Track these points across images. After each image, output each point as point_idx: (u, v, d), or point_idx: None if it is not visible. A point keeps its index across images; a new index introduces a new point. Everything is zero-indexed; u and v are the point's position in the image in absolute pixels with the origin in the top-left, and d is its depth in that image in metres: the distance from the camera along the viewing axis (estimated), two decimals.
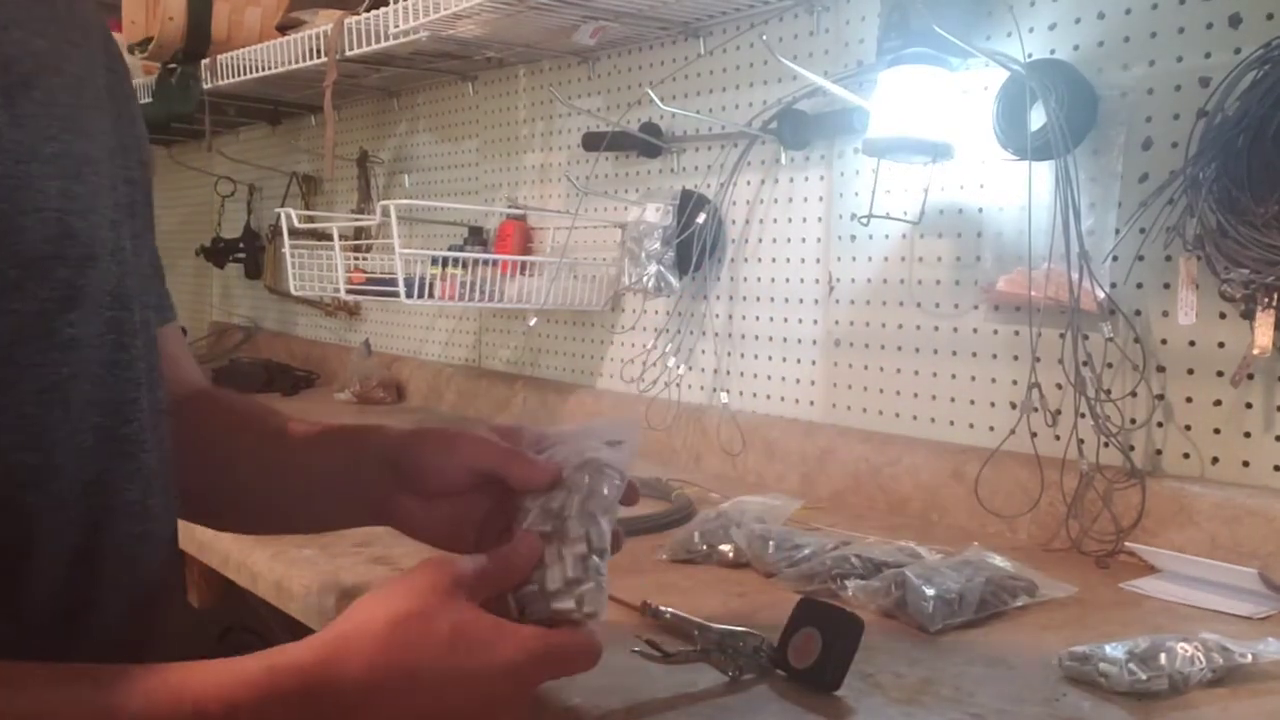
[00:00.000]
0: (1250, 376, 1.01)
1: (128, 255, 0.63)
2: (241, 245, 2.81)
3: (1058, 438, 1.17)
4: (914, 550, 1.02)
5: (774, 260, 1.50)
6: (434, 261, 1.63)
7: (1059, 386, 1.17)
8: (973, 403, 1.27)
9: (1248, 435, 1.05)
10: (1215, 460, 1.07)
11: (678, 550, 1.09)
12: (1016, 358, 1.22)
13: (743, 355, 1.55)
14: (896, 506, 1.29)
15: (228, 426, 0.81)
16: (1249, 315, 0.97)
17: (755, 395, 1.53)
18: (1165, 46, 1.09)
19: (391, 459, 0.74)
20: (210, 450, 0.78)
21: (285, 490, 0.79)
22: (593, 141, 1.72)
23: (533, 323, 1.86)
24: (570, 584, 0.65)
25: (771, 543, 1.04)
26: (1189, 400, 1.09)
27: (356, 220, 2.20)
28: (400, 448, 0.74)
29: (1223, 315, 1.04)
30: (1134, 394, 1.11)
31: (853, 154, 1.39)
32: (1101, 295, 1.11)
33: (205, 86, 2.13)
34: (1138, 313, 1.12)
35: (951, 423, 1.29)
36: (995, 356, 1.25)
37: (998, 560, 0.97)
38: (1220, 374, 1.05)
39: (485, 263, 1.66)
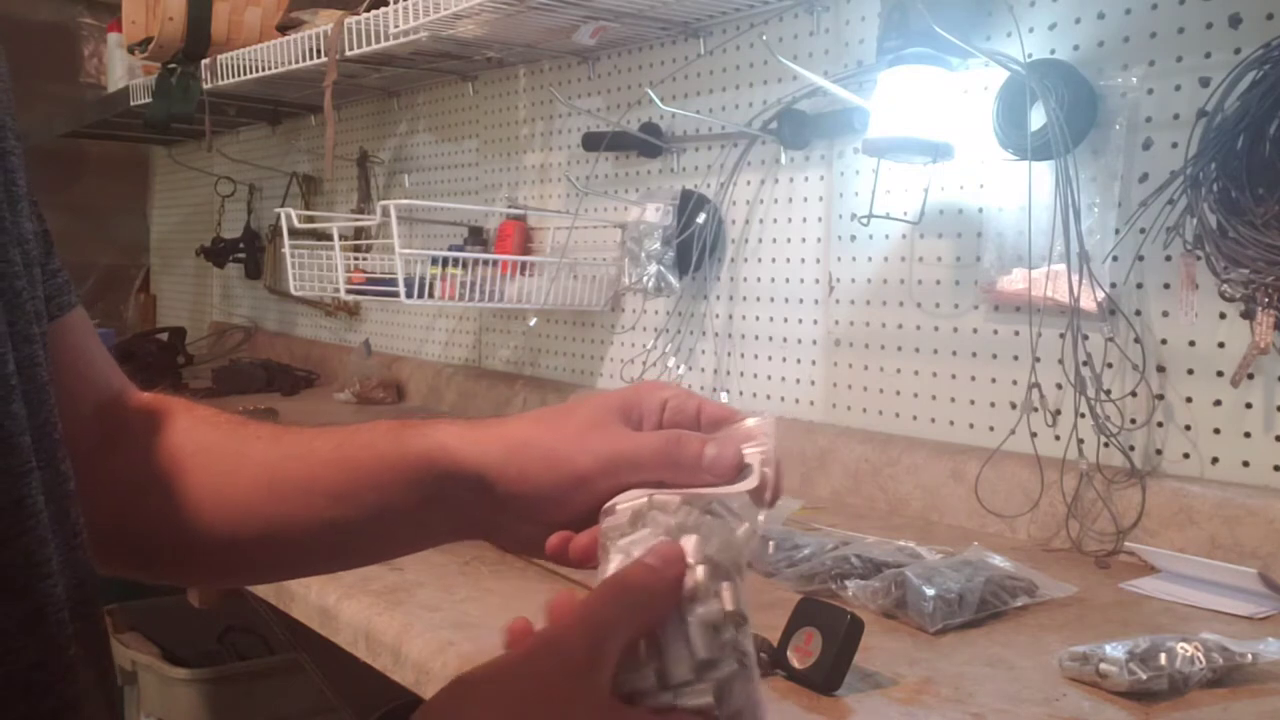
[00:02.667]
0: (1250, 376, 1.01)
1: None
2: (241, 245, 2.81)
3: (1058, 438, 1.17)
4: (914, 550, 1.02)
5: (774, 260, 1.50)
6: (434, 261, 1.62)
7: (1059, 386, 1.17)
8: (973, 403, 1.27)
9: (1248, 435, 1.04)
10: (1215, 460, 1.07)
11: None
12: (1016, 358, 1.22)
13: (743, 355, 1.55)
14: (896, 506, 1.29)
15: (214, 442, 0.60)
16: (1249, 315, 0.97)
17: (755, 395, 1.53)
18: (1165, 46, 1.09)
19: (483, 484, 0.55)
20: (185, 477, 0.58)
21: (321, 522, 0.58)
22: (593, 141, 1.72)
23: (533, 323, 1.86)
24: (702, 668, 0.45)
25: (771, 543, 1.04)
26: (1189, 400, 1.08)
27: (356, 220, 2.20)
28: (494, 471, 0.54)
29: (1223, 315, 1.04)
30: (1134, 394, 1.11)
31: (853, 154, 1.39)
32: (1101, 295, 1.11)
33: (205, 86, 2.13)
34: (1138, 313, 1.12)
35: (951, 423, 1.29)
36: (995, 356, 1.25)
37: (998, 560, 0.97)
38: (1220, 374, 1.05)
39: (485, 263, 1.66)
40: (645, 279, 1.57)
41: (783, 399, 1.49)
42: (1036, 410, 1.18)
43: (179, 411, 0.62)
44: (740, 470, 0.50)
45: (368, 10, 1.67)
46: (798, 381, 1.47)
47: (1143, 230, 1.08)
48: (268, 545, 0.59)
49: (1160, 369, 1.10)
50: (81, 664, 0.47)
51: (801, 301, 1.46)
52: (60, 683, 0.46)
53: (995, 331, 1.25)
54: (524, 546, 0.57)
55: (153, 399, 0.63)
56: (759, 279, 1.52)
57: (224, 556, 0.60)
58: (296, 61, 1.86)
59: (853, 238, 1.39)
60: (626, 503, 0.50)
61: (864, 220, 1.32)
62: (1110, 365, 1.13)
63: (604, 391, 0.54)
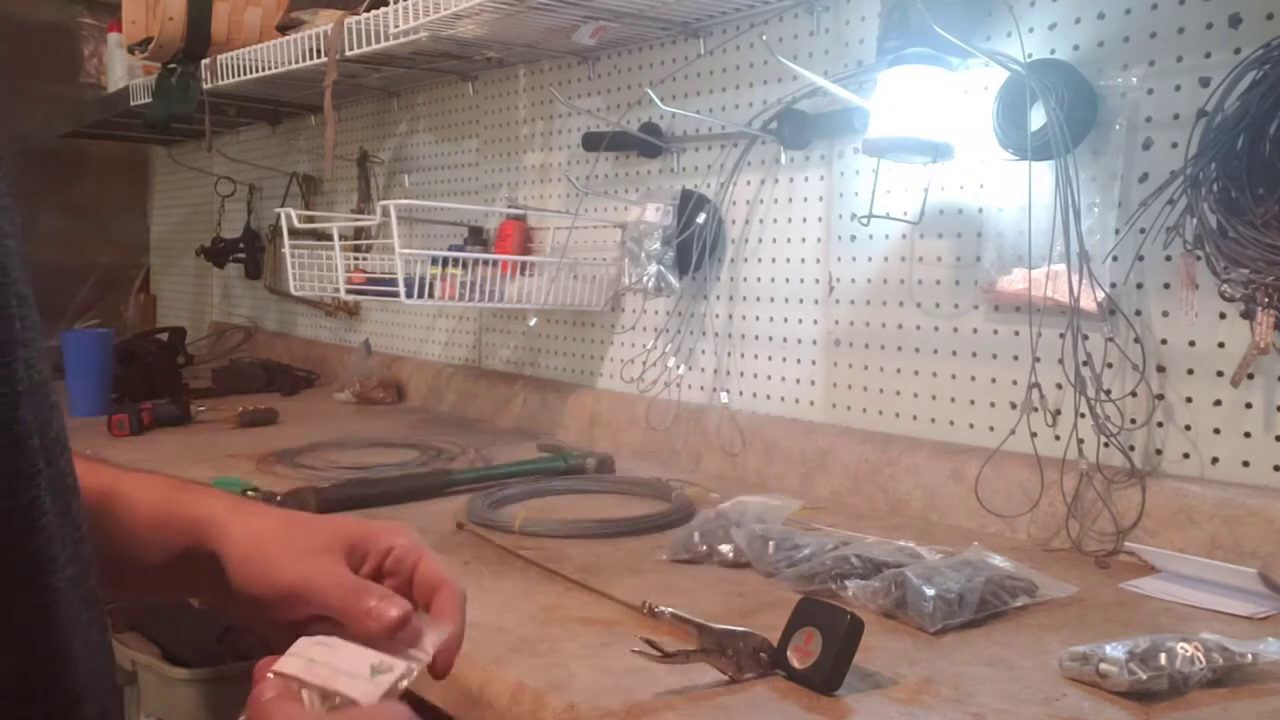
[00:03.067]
0: (1250, 376, 1.01)
1: None
2: (241, 245, 2.81)
3: (1058, 438, 1.17)
4: (914, 550, 1.02)
5: (774, 260, 1.50)
6: (434, 261, 1.62)
7: (1059, 386, 1.17)
8: (973, 403, 1.27)
9: (1248, 435, 1.04)
10: (1215, 460, 1.07)
11: (678, 550, 1.09)
12: (1016, 358, 1.22)
13: (743, 355, 1.55)
14: (896, 506, 1.29)
15: None
16: (1249, 315, 0.97)
17: (755, 395, 1.53)
18: (1165, 46, 1.09)
19: (221, 570, 0.62)
20: None
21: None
22: (593, 141, 1.72)
23: (533, 323, 1.86)
24: None
25: (771, 543, 1.04)
26: (1189, 400, 1.08)
27: (356, 220, 2.20)
28: (231, 563, 0.62)
29: (1223, 315, 1.04)
30: (1134, 394, 1.11)
31: (853, 154, 1.39)
32: (1101, 295, 1.11)
33: (205, 86, 2.13)
34: (1138, 313, 1.12)
35: (951, 423, 1.29)
36: (995, 356, 1.25)
37: (998, 560, 0.97)
38: (1220, 374, 1.05)
39: (485, 263, 1.66)
40: (645, 279, 1.57)
41: (783, 399, 1.49)
42: (1036, 410, 1.18)
43: None
44: (395, 633, 0.58)
45: (368, 10, 1.67)
46: (798, 381, 1.47)
47: (1143, 230, 1.08)
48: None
49: (1160, 369, 1.10)
50: (88, 657, 0.49)
51: (801, 301, 1.46)
52: (70, 675, 0.48)
53: (995, 331, 1.25)
54: (259, 629, 0.64)
55: None
56: (759, 279, 1.52)
57: None
58: (296, 61, 1.86)
59: (853, 238, 1.39)
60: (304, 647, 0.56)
61: (864, 220, 1.32)
62: (1110, 365, 1.13)
63: (351, 519, 0.63)
